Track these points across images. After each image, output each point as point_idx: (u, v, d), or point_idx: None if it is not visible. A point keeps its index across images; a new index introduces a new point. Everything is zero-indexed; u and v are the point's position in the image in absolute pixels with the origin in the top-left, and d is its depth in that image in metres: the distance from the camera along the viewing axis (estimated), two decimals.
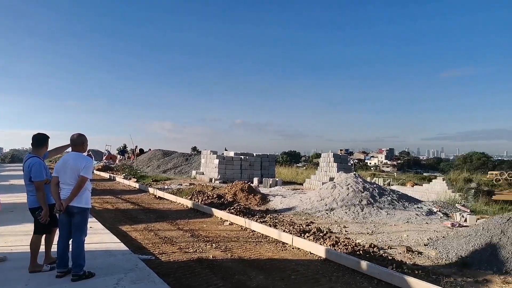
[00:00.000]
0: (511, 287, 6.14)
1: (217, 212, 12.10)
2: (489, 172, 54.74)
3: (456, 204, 16.70)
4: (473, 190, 23.37)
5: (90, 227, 7.47)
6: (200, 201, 14.52)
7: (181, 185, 21.37)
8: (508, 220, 8.14)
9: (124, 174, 27.10)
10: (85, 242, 5.30)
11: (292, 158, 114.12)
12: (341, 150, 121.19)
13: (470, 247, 7.86)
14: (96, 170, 31.08)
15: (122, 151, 48.42)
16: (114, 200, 15.56)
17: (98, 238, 7.64)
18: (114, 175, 26.89)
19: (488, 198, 22.33)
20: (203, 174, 27.02)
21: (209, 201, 14.40)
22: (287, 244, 8.49)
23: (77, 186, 5.13)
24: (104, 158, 43.62)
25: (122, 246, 7.09)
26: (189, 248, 8.03)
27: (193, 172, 27.95)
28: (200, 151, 37.07)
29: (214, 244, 8.33)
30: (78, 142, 5.42)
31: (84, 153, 5.49)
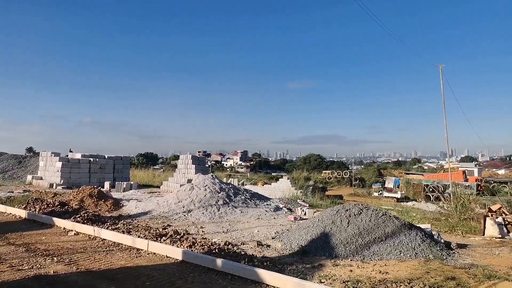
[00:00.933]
0: (339, 268, 7.31)
1: (59, 222, 10.86)
2: (323, 171, 63.88)
3: (298, 200, 18.46)
4: (311, 187, 26.72)
5: None
6: (37, 210, 12.80)
7: (12, 192, 18.46)
8: (337, 212, 9.66)
9: None
10: None
11: (149, 160, 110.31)
12: (199, 152, 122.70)
13: (308, 237, 9.03)
14: None
15: None
16: None
17: None
18: None
19: (323, 193, 25.89)
20: (41, 179, 23.85)
21: (50, 209, 12.82)
22: (142, 250, 8.21)
23: None
24: None
25: None
26: (23, 264, 7.01)
27: (29, 177, 24.46)
28: (38, 153, 32.56)
29: (55, 258, 7.47)
30: None
31: None
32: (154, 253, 7.95)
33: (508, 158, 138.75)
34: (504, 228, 11.84)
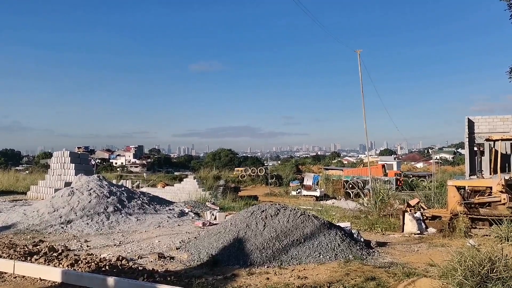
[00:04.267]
0: (255, 277, 7.59)
1: None
2: (235, 169, 65.07)
3: (207, 203, 18.76)
4: (221, 188, 27.20)
5: None
6: None
7: None
8: (251, 214, 9.97)
9: None
10: None
11: (9, 159, 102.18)
12: (79, 147, 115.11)
13: (220, 245, 9.18)
14: None
15: None
16: None
17: None
18: None
19: (235, 194, 26.49)
20: None
21: None
22: (6, 273, 7.56)
23: None
24: None
25: None
26: None
27: None
28: None
29: None
30: None
31: None
32: (23, 277, 7.39)
33: (425, 151, 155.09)
34: (423, 224, 13.18)
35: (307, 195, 34.65)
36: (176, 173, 70.40)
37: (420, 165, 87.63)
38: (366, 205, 18.18)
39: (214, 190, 26.31)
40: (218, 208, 17.43)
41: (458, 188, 13.37)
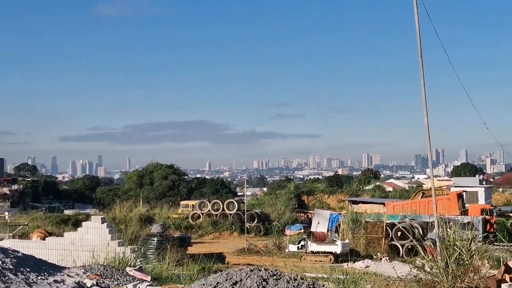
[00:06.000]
0: None
1: None
2: (182, 203, 51.32)
3: (127, 268, 15.05)
4: (156, 239, 23.06)
5: None
6: None
7: None
8: None
9: None
10: None
11: None
12: None
13: None
14: None
15: None
16: None
17: None
18: None
19: (182, 251, 22.02)
20: None
21: None
22: None
23: None
24: None
25: None
26: None
27: None
28: None
29: None
30: None
31: None
32: None
33: None
34: None
35: (318, 252, 27.20)
36: (68, 212, 55.82)
37: None
38: (429, 269, 14.34)
39: (142, 244, 22.28)
40: (149, 279, 13.80)
41: None
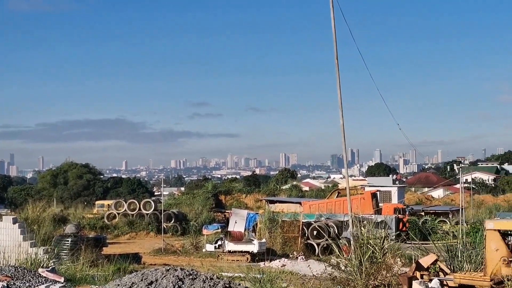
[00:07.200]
0: None
1: None
2: (97, 203, 50.61)
3: (40, 269, 15.19)
4: (70, 240, 22.71)
5: None
6: None
7: None
8: None
9: None
10: None
11: None
12: None
13: None
14: None
15: None
16: None
17: None
18: None
19: (97, 251, 21.87)
20: None
21: None
22: None
23: None
24: None
25: None
26: None
27: None
28: None
29: None
30: None
31: None
32: None
33: (448, 167, 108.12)
34: None
35: (235, 252, 27.09)
36: None
37: (438, 193, 67.15)
38: (344, 267, 14.50)
39: (56, 245, 21.95)
40: (62, 280, 14.04)
41: (505, 235, 10.93)
